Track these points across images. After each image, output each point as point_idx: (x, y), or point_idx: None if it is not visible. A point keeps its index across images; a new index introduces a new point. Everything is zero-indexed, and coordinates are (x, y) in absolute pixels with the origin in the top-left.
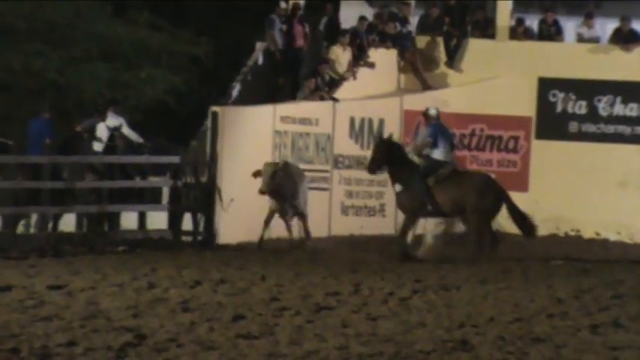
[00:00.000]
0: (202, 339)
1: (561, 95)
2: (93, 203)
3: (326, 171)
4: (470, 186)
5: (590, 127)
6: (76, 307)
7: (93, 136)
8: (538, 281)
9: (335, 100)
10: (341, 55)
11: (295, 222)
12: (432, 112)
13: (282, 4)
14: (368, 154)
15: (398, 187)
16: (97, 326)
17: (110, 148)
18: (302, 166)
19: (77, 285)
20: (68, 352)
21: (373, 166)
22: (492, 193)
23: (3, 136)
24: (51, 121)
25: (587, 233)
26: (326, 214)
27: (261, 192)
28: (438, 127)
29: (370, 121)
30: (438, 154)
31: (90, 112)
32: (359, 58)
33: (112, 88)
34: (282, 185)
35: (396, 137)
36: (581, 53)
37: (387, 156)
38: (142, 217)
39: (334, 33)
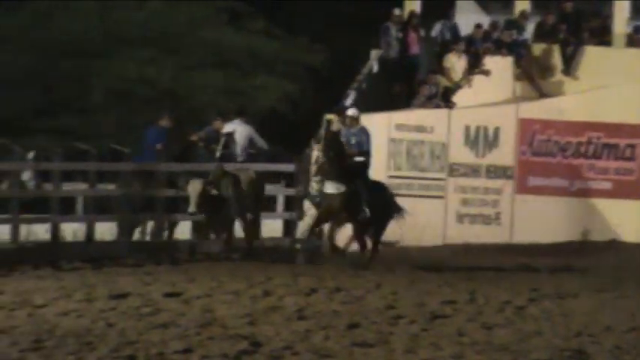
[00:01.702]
0: (317, 347)
1: None
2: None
3: (441, 179)
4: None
5: None
6: (191, 315)
7: (208, 145)
8: None
9: (450, 106)
10: (456, 63)
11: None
12: (352, 112)
13: (397, 11)
14: (483, 162)
15: (340, 188)
16: (213, 334)
17: (225, 155)
18: (416, 174)
19: (193, 292)
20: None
21: (327, 161)
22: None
23: (118, 144)
24: (167, 129)
25: None
26: (441, 222)
27: (191, 214)
28: (366, 134)
29: (485, 129)
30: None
31: (205, 121)
32: (474, 66)
33: (226, 96)
34: (214, 202)
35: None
36: None
37: (338, 150)
38: None
39: (454, 40)
